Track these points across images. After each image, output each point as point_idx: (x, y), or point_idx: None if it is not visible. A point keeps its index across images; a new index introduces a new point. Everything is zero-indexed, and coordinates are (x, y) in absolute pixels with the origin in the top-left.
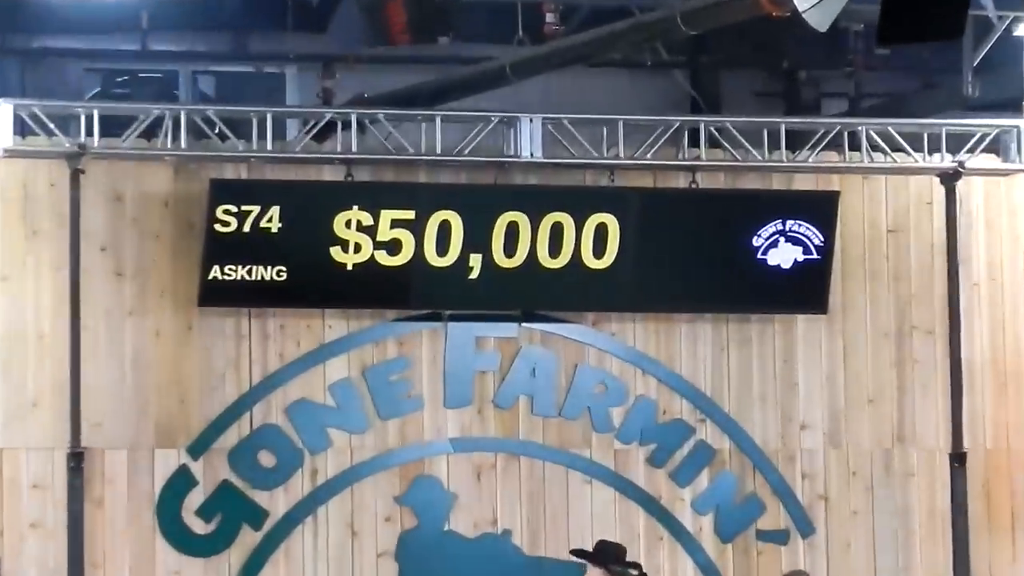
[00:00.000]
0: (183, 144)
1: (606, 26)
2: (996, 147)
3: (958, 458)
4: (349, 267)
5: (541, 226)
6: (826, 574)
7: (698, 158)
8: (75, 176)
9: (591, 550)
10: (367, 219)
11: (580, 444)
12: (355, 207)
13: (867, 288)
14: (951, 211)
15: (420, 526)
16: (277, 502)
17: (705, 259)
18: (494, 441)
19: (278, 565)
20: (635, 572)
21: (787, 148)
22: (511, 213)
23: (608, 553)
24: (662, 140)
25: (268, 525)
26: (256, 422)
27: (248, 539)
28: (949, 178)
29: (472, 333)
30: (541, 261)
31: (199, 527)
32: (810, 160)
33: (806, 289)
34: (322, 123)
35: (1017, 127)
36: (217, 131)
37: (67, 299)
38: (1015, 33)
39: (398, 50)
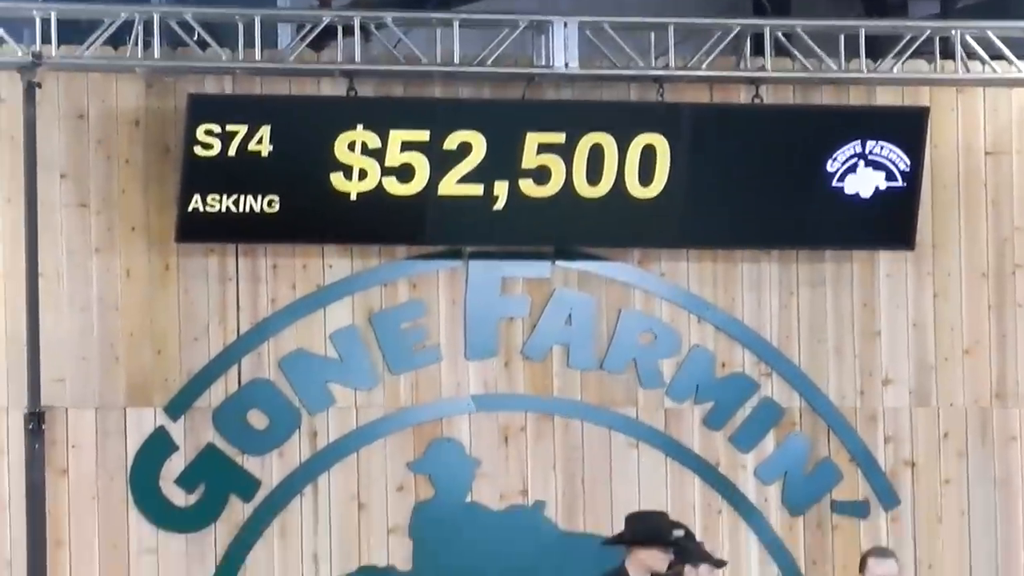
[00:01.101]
0: (156, 53)
1: None
2: None
3: None
4: (352, 196)
5: (578, 149)
6: (913, 552)
7: (762, 68)
8: (29, 90)
9: (623, 531)
10: (373, 141)
11: (624, 402)
12: (359, 127)
13: (961, 220)
14: None
15: (437, 497)
16: (270, 469)
17: (770, 187)
18: (523, 399)
19: (271, 542)
20: (681, 532)
21: (867, 57)
22: (542, 134)
23: (648, 526)
24: (720, 47)
25: (260, 496)
26: (245, 377)
27: (237, 512)
28: None
29: (497, 273)
30: (578, 189)
31: (179, 498)
32: (894, 71)
33: (889, 221)
34: (319, 28)
35: None
36: (197, 38)
37: (22, 236)
38: None
39: None
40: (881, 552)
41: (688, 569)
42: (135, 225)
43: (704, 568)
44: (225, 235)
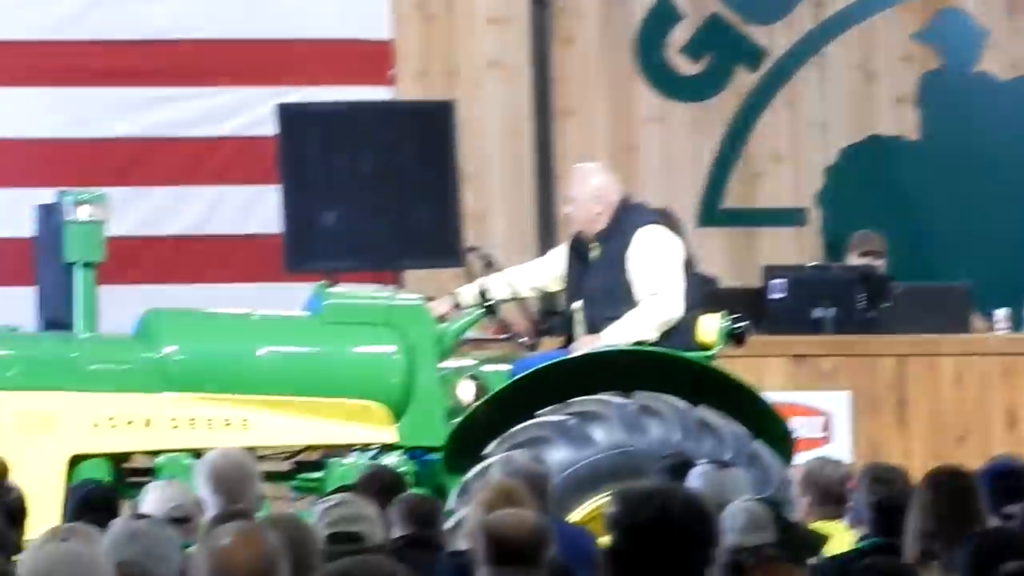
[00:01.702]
0: None
1: None
2: None
3: None
4: None
5: None
6: None
7: None
8: None
9: None
10: None
11: None
12: None
13: None
14: None
15: (945, 66)
16: (776, 38)
17: None
18: None
19: (777, 112)
20: None
21: None
22: None
23: None
24: None
25: (766, 65)
26: None
27: (743, 81)
28: None
29: None
30: None
31: (686, 67)
32: None
33: None
34: None
35: None
36: None
37: None
38: None
39: None
40: None
41: None
42: None
43: None
44: None
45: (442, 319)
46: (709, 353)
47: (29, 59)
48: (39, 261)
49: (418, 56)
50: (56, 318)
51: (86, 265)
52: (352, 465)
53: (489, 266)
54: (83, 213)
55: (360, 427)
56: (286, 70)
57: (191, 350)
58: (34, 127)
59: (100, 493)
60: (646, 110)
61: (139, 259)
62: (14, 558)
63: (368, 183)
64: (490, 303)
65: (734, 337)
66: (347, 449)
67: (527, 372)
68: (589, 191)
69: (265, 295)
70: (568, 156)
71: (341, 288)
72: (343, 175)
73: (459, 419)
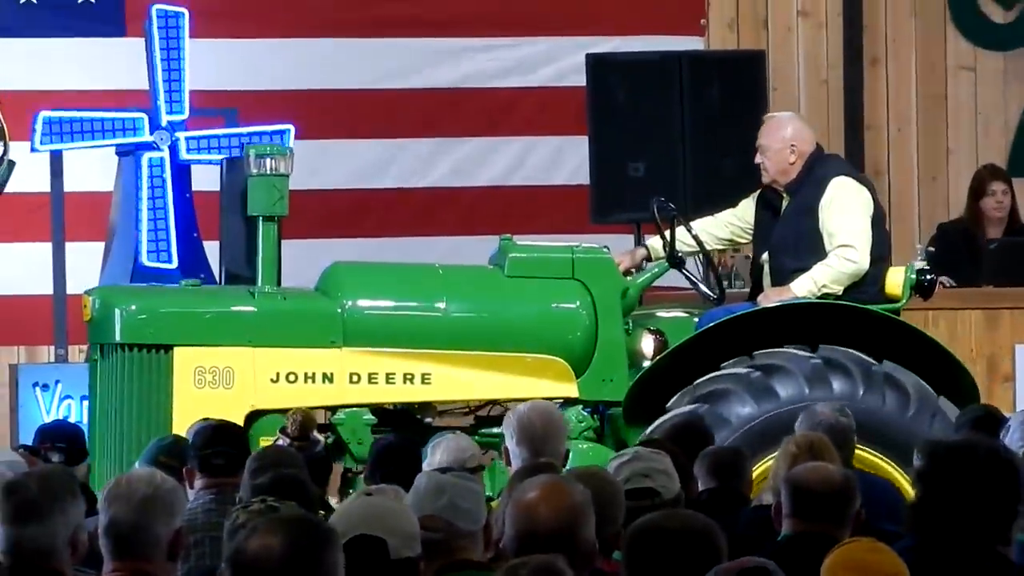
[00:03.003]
0: None
1: None
2: None
3: None
4: None
5: None
6: None
7: None
8: None
9: None
10: None
11: None
12: None
13: None
14: None
15: None
16: None
17: None
18: None
19: None
20: None
21: None
22: None
23: None
24: None
25: None
26: None
27: None
28: None
29: None
30: None
31: (997, 15)
32: None
33: None
34: None
35: None
36: None
37: None
38: None
39: None
40: None
41: None
42: None
43: None
44: None
45: (629, 272)
46: (896, 305)
47: (338, 10)
48: (224, 215)
49: (729, 5)
50: (240, 272)
51: (268, 219)
52: None
53: (676, 218)
54: (267, 166)
55: (541, 382)
56: (597, 20)
57: (371, 304)
58: (343, 78)
59: (400, 445)
60: (956, 58)
61: (446, 209)
62: (321, 513)
63: (676, 134)
64: (677, 256)
65: (922, 289)
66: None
67: (709, 325)
68: (783, 140)
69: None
70: (877, 105)
71: (526, 240)
72: (651, 125)
73: (640, 373)
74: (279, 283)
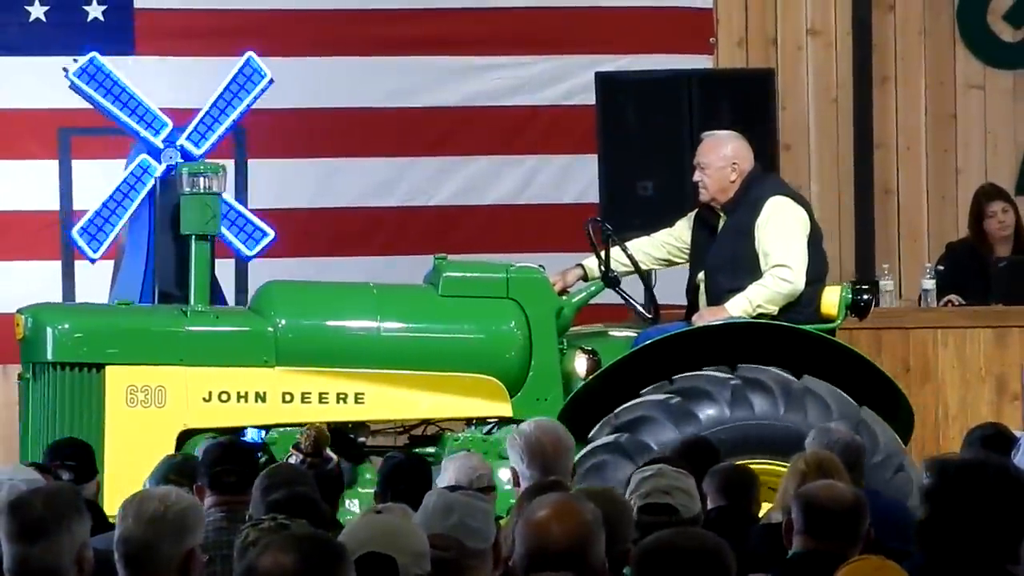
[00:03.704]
0: None
1: None
2: None
3: None
4: None
5: None
6: None
7: None
8: None
9: None
10: None
11: None
12: None
13: None
14: None
15: None
16: None
17: None
18: None
19: None
20: None
21: None
22: None
23: None
24: None
25: None
26: None
27: None
28: None
29: None
30: None
31: (1007, 34)
32: None
33: None
34: None
35: None
36: None
37: None
38: None
39: None
40: None
41: None
42: None
43: None
44: None
45: (564, 291)
46: (832, 325)
47: (349, 28)
48: (156, 234)
49: (738, 24)
50: (172, 291)
51: (201, 237)
52: (466, 439)
53: (610, 238)
54: (200, 184)
55: (476, 401)
56: (606, 39)
57: (304, 323)
58: (352, 96)
59: (411, 464)
60: (965, 77)
61: (457, 228)
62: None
63: (687, 152)
64: (612, 275)
65: (857, 309)
66: (462, 423)
67: (642, 345)
68: (724, 159)
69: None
70: (887, 124)
71: (460, 259)
72: (661, 144)
73: (572, 393)
74: (212, 302)
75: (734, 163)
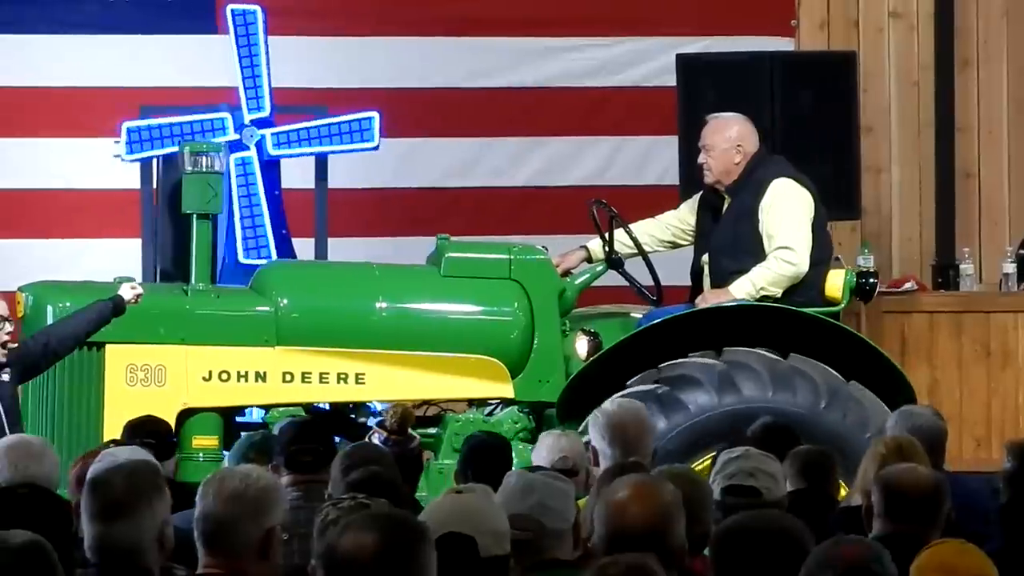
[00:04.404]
0: None
1: None
2: None
3: None
4: None
5: None
6: None
7: None
8: None
9: None
10: None
11: None
12: None
13: None
14: None
15: None
16: None
17: None
18: None
19: None
20: None
21: None
22: None
23: None
24: None
25: None
26: None
27: None
28: None
29: None
30: None
31: None
32: None
33: None
34: None
35: None
36: None
37: None
38: None
39: None
40: None
41: None
42: None
43: None
44: None
45: (567, 273)
46: (835, 308)
47: (427, 8)
48: (159, 213)
49: (820, 6)
50: (172, 270)
51: (202, 216)
52: (467, 420)
53: (614, 220)
54: (202, 164)
55: (477, 382)
56: (687, 20)
57: (305, 303)
58: (432, 76)
59: (491, 443)
60: None
61: (535, 208)
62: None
63: (766, 135)
64: (616, 257)
65: (862, 292)
66: (464, 404)
67: (643, 327)
68: (729, 140)
69: None
70: (968, 107)
71: (463, 240)
72: None
73: (573, 375)
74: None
75: (738, 145)
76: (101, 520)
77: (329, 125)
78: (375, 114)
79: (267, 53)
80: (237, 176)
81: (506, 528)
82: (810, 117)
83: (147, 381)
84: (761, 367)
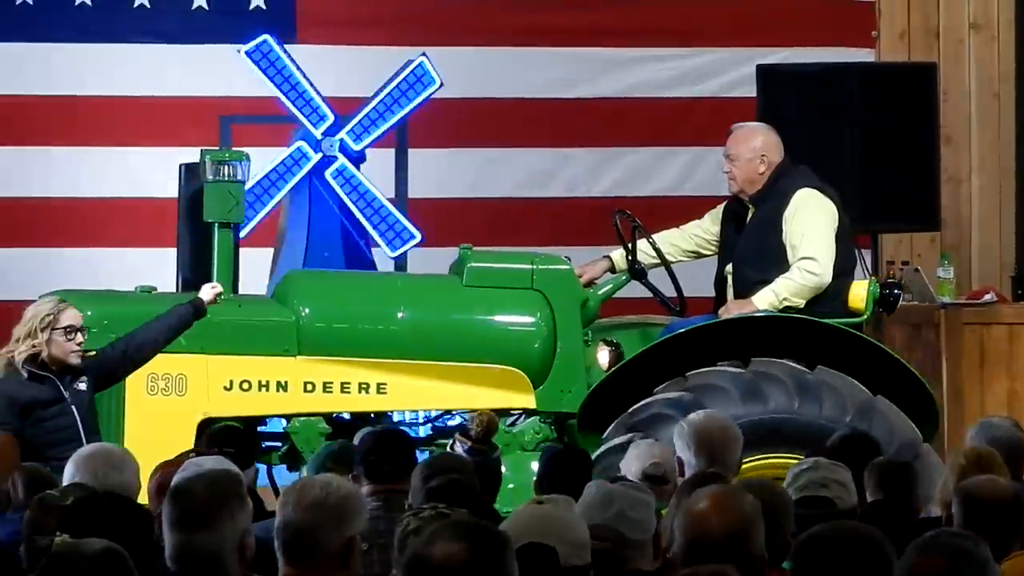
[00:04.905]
0: None
1: None
2: None
3: None
4: None
5: None
6: None
7: None
8: None
9: None
10: None
11: None
12: None
13: None
14: None
15: None
16: None
17: None
18: None
19: None
20: None
21: None
22: None
23: None
24: None
25: None
26: None
27: None
28: None
29: None
30: None
31: None
32: None
33: None
34: None
35: None
36: None
37: None
38: None
39: None
40: None
41: None
42: None
43: None
44: None
45: (590, 283)
46: (859, 319)
47: (508, 17)
48: (181, 221)
49: (900, 17)
50: (196, 279)
51: (224, 225)
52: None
53: (637, 230)
54: (223, 173)
55: (499, 392)
56: (767, 31)
57: (327, 313)
58: (510, 87)
59: (571, 454)
60: None
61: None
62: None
63: (846, 145)
64: (639, 267)
65: (886, 303)
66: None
67: (665, 337)
68: (753, 150)
69: None
70: None
71: (486, 250)
72: (821, 137)
73: (594, 385)
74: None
75: (763, 155)
76: (182, 529)
77: (390, 93)
78: (421, 57)
79: (295, 64)
80: (342, 187)
81: (586, 538)
82: (890, 128)
83: (168, 390)
84: (788, 378)
